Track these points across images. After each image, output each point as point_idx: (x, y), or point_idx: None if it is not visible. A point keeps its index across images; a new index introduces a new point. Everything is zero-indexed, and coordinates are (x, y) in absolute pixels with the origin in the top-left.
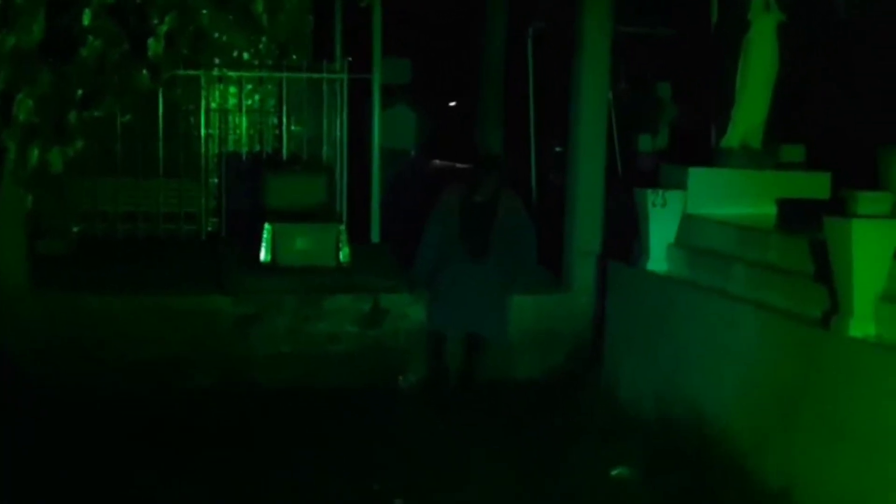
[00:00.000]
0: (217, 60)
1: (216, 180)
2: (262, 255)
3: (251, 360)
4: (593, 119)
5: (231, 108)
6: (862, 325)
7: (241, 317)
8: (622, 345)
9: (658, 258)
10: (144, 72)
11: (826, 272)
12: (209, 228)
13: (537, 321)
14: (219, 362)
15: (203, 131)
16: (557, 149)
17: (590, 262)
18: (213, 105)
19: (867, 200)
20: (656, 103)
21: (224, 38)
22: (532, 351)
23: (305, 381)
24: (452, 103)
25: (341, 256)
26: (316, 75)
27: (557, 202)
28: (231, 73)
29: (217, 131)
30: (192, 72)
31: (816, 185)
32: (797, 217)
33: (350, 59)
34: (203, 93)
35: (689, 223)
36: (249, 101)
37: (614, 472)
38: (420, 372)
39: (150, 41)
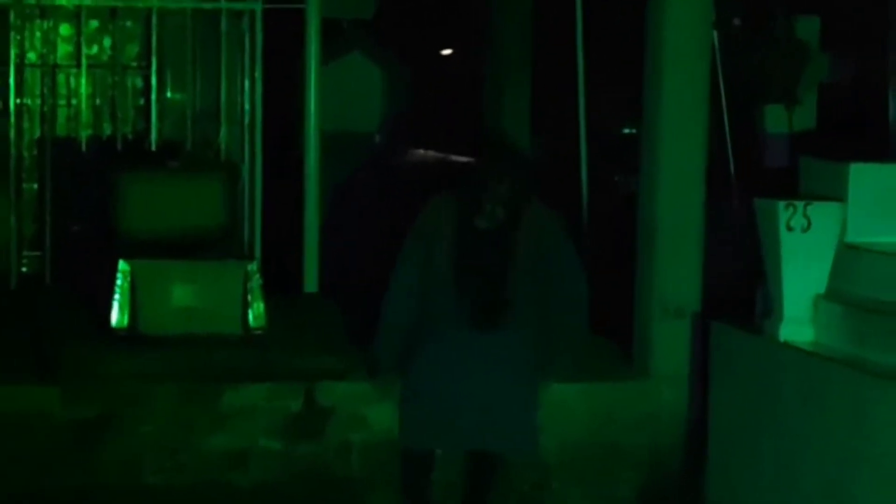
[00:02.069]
0: None
1: (35, 186)
2: (115, 316)
3: (93, 496)
4: (684, 81)
5: (62, 63)
6: None
7: (78, 422)
8: (739, 470)
9: (798, 318)
10: None
11: None
12: (23, 269)
13: (590, 429)
14: (37, 500)
15: (12, 102)
16: (627, 130)
17: (680, 328)
18: (31, 57)
19: None
20: (794, 52)
21: None
22: (581, 479)
23: None
24: (446, 52)
25: (252, 318)
26: (209, 3)
27: (626, 223)
28: (62, 0)
29: (37, 102)
30: None
31: None
32: None
33: None
34: (13, 36)
35: (851, 260)
36: (94, 50)
37: None
38: None
39: None
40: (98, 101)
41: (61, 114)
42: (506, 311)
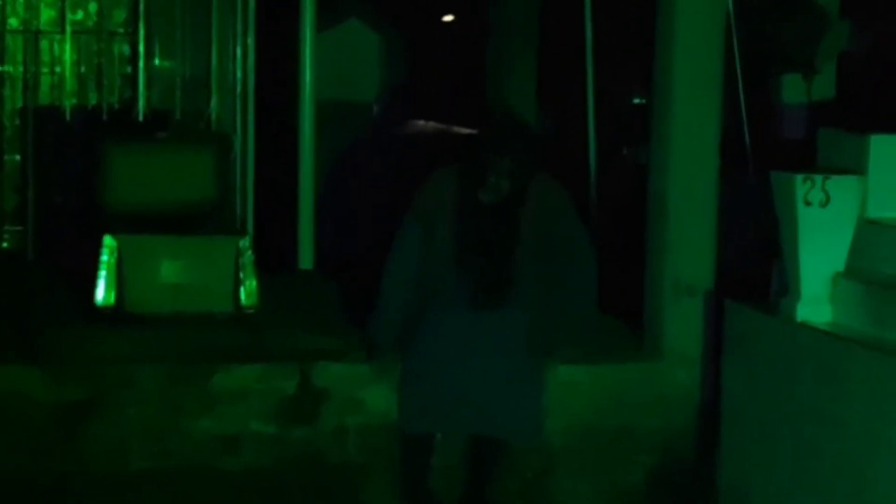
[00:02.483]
0: None
1: (18, 158)
2: (100, 294)
3: (77, 483)
4: (697, 48)
5: (45, 28)
6: None
7: (62, 405)
8: (753, 454)
9: (816, 297)
10: None
11: None
12: (4, 245)
13: (599, 411)
14: (19, 488)
15: None
16: (637, 100)
17: (693, 307)
18: (13, 23)
19: None
20: (813, 19)
21: None
22: (588, 464)
23: None
24: (448, 18)
25: (244, 296)
26: None
27: (637, 199)
28: None
29: (20, 69)
30: None
31: None
32: None
33: None
34: None
35: (872, 235)
36: (79, 15)
37: None
38: None
39: None
40: (83, 69)
41: (44, 82)
42: (510, 290)
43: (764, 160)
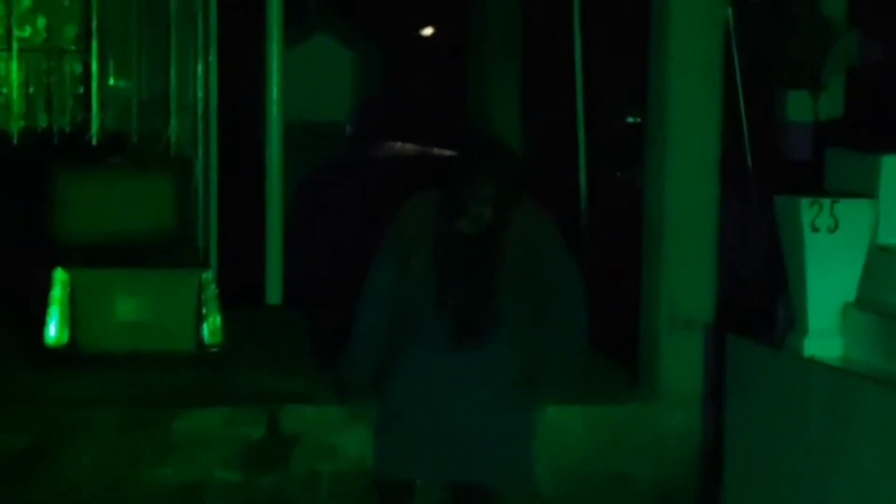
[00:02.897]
0: None
1: None
2: (52, 332)
3: None
4: (695, 63)
5: None
6: None
7: (10, 454)
8: (758, 501)
9: (824, 330)
10: None
11: None
12: None
13: (592, 456)
14: None
15: None
16: (630, 119)
17: (692, 342)
18: None
19: None
20: (819, 30)
21: None
22: None
23: None
24: (425, 32)
25: (207, 334)
26: None
27: (631, 225)
28: None
29: None
30: None
31: None
32: None
33: None
34: None
35: (884, 263)
36: (27, 31)
37: None
38: None
39: None
40: (31, 89)
41: None
42: (492, 327)
43: (767, 183)
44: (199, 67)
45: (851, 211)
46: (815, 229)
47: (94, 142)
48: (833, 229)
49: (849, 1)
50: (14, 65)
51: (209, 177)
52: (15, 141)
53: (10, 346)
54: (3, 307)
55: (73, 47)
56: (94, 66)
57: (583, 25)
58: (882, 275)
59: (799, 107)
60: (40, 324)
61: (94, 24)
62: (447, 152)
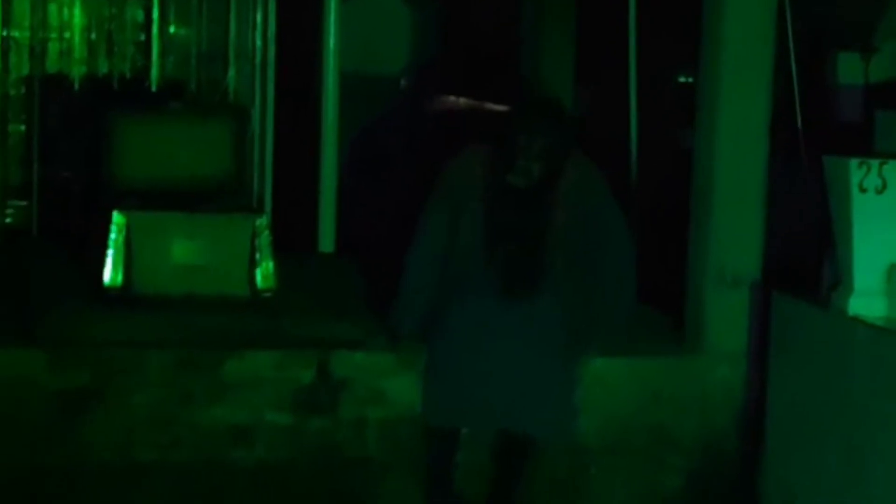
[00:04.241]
0: None
1: (23, 129)
2: (108, 274)
3: (81, 474)
4: (747, 23)
5: None
6: None
7: (66, 392)
8: (801, 457)
9: (869, 289)
10: None
11: None
12: (8, 220)
13: (635, 409)
14: (20, 478)
15: None
16: (682, 79)
17: (738, 300)
18: None
19: None
20: None
21: None
22: (623, 465)
23: None
24: None
25: (260, 279)
26: None
27: (680, 183)
28: None
29: (27, 35)
30: None
31: None
32: None
33: None
34: None
35: None
36: None
37: None
38: None
39: None
40: (93, 36)
41: (52, 48)
42: (541, 280)
43: (817, 144)
44: (258, 16)
45: None
46: (862, 190)
47: (154, 88)
48: (881, 190)
49: None
50: (77, 11)
51: (265, 125)
52: (76, 86)
53: (69, 286)
54: (64, 247)
55: None
56: (156, 14)
57: None
58: None
59: (850, 69)
60: (98, 265)
61: None
62: (500, 107)
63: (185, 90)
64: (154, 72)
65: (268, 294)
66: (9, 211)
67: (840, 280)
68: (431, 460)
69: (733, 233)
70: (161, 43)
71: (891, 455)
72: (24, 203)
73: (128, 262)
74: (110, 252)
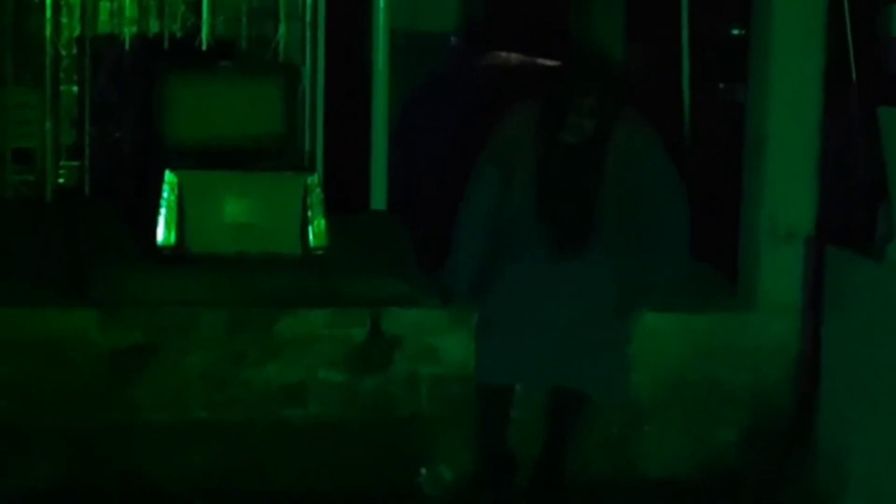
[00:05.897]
0: None
1: (75, 89)
2: (161, 233)
3: (134, 434)
4: None
5: None
6: None
7: (120, 350)
8: (855, 412)
9: None
10: None
11: None
12: (60, 181)
13: (689, 364)
14: (73, 438)
15: None
16: (735, 31)
17: (792, 253)
18: None
19: None
20: None
21: None
22: (678, 421)
23: (236, 480)
24: None
25: (312, 237)
26: None
27: (733, 137)
28: None
29: None
30: None
31: None
32: None
33: None
34: None
35: None
36: None
37: None
38: (462, 463)
39: None
40: None
41: (103, 9)
42: (593, 237)
43: (872, 96)
44: None
45: None
46: None
47: (204, 47)
48: None
49: None
50: None
51: (316, 83)
52: (127, 45)
53: (122, 245)
54: (116, 207)
55: None
56: None
57: None
58: None
59: None
60: (151, 223)
61: None
62: (551, 62)
63: (236, 49)
64: (204, 31)
65: (320, 252)
66: (61, 171)
67: (894, 233)
68: (485, 418)
69: (786, 186)
70: (211, 2)
71: None
72: (76, 163)
73: (180, 221)
74: (162, 211)
